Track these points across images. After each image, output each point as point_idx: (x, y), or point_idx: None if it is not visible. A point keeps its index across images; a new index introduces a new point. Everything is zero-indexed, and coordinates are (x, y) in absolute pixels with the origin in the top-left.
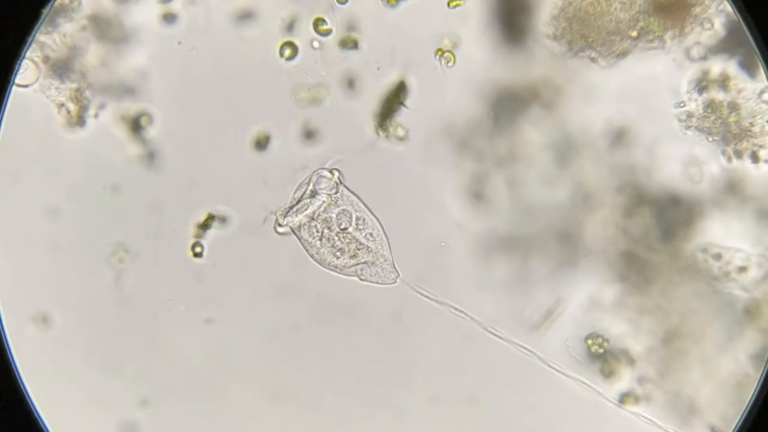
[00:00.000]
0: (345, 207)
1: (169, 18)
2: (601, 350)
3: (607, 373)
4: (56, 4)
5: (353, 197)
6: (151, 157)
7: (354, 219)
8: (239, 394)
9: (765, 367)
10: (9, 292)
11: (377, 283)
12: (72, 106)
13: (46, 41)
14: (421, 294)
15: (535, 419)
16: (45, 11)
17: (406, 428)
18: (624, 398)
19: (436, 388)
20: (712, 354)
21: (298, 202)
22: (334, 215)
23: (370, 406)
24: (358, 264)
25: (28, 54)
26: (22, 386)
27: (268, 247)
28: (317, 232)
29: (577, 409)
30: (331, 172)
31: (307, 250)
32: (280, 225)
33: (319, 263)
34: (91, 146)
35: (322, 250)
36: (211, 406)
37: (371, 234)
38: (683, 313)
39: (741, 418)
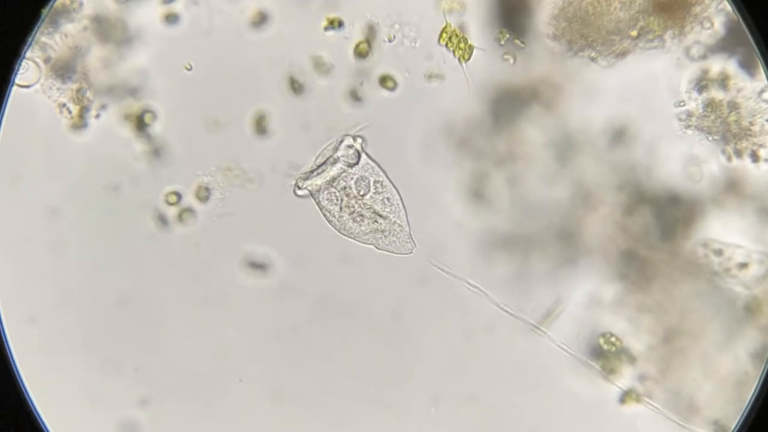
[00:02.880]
0: (363, 174)
1: (171, 18)
2: (613, 348)
3: (608, 371)
4: (57, 4)
5: (374, 165)
6: (157, 153)
7: (372, 183)
8: (239, 394)
9: (765, 365)
10: (9, 292)
11: (393, 252)
12: (73, 107)
13: (47, 42)
14: (437, 267)
15: (535, 419)
16: (45, 11)
17: (406, 428)
18: (625, 396)
19: (436, 388)
20: (712, 352)
21: (319, 167)
22: (353, 183)
23: (370, 406)
24: (376, 231)
25: (28, 54)
26: (22, 386)
27: (268, 246)
28: (336, 199)
29: (577, 409)
30: (354, 138)
31: (325, 216)
32: (299, 188)
33: (338, 229)
34: (94, 147)
35: (343, 217)
36: (211, 406)
37: (388, 199)
38: (683, 311)
39: (741, 416)
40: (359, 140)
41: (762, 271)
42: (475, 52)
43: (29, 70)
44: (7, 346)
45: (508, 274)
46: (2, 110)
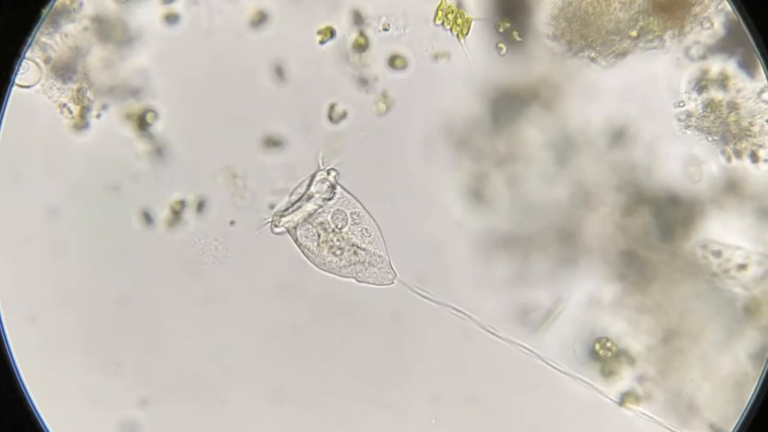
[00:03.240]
0: (339, 207)
1: (171, 19)
2: (609, 354)
3: (607, 373)
4: (57, 4)
5: (350, 197)
6: (159, 152)
7: (349, 215)
8: (239, 394)
9: (765, 366)
10: (9, 292)
11: (375, 284)
12: (74, 107)
13: (47, 42)
14: (420, 294)
15: (535, 419)
16: (45, 11)
17: (406, 428)
18: (624, 398)
19: (436, 388)
20: (711, 353)
21: (294, 204)
22: (329, 217)
23: (370, 406)
24: (356, 264)
25: (29, 54)
26: (22, 386)
27: (268, 247)
28: (314, 235)
29: (577, 409)
30: (328, 172)
31: (303, 253)
32: (276, 226)
33: (317, 265)
34: (95, 147)
35: (322, 252)
36: (211, 406)
37: (366, 230)
38: (683, 311)
39: (741, 417)
40: (333, 173)
41: (761, 272)
42: (471, 32)
43: (29, 70)
44: (7, 346)
45: (508, 274)
46: (2, 110)
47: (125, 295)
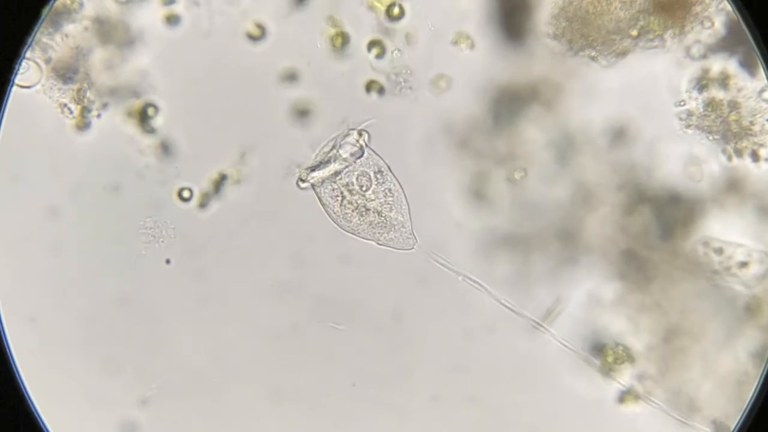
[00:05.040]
0: (364, 169)
1: (172, 20)
2: (620, 361)
3: (608, 371)
4: (57, 4)
5: (378, 159)
6: (165, 148)
7: (373, 175)
8: (239, 394)
9: (765, 365)
10: (9, 292)
11: (395, 248)
12: (74, 107)
13: (48, 42)
14: (438, 262)
15: (535, 419)
16: (45, 11)
17: (406, 428)
18: (624, 396)
19: (436, 388)
20: (712, 351)
21: (322, 161)
22: (354, 179)
23: (370, 406)
24: (378, 225)
25: (29, 55)
26: (22, 386)
27: (268, 245)
28: (339, 195)
29: (577, 409)
30: (359, 133)
31: (326, 211)
32: (302, 180)
33: (339, 225)
34: (96, 146)
35: (344, 211)
36: (211, 406)
37: (390, 190)
38: (683, 310)
39: (741, 416)
40: (364, 135)
41: (762, 271)
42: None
43: (30, 70)
44: (7, 346)
45: (508, 274)
46: (2, 110)
47: (125, 295)
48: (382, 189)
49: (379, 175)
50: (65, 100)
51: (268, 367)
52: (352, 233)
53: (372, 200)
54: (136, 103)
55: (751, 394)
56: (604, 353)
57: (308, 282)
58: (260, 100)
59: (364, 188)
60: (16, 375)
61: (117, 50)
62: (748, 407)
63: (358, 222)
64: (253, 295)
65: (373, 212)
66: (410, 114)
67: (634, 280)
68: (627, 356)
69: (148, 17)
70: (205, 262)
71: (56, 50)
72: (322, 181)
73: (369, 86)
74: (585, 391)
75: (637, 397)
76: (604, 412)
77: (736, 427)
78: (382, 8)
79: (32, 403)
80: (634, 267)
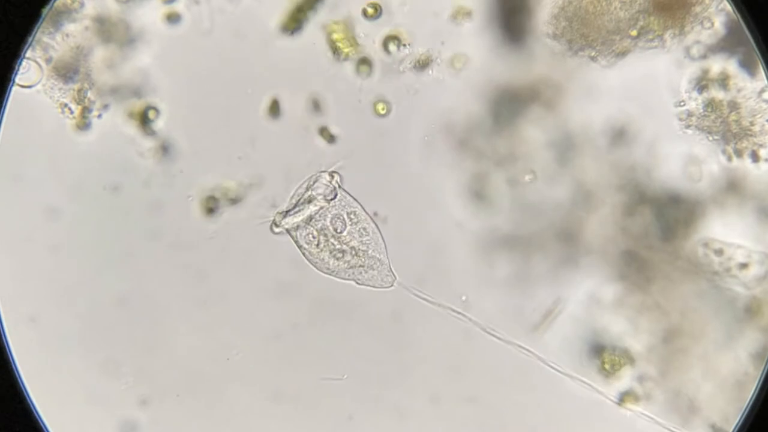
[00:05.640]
0: (337, 211)
1: (172, 18)
2: (616, 368)
3: (607, 373)
4: (57, 4)
5: (350, 200)
6: (165, 149)
7: (346, 215)
8: (239, 394)
9: (765, 365)
10: (9, 292)
11: (374, 287)
12: (75, 107)
13: (48, 42)
14: (420, 297)
15: (535, 419)
16: (45, 11)
17: (406, 428)
18: (624, 397)
19: (436, 388)
20: (712, 352)
21: (296, 205)
22: (328, 221)
23: (370, 406)
24: (356, 266)
25: (30, 54)
26: (22, 386)
27: (268, 246)
28: (313, 238)
29: (577, 409)
30: (330, 175)
31: (303, 254)
32: (276, 226)
33: (317, 268)
34: (97, 146)
35: (321, 254)
36: (211, 406)
37: (364, 229)
38: (683, 311)
39: (741, 416)
40: (336, 177)
41: (762, 272)
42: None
43: (30, 70)
44: (7, 346)
45: (508, 274)
46: (3, 110)
47: (125, 295)
48: (357, 229)
49: (353, 215)
50: (66, 100)
51: (268, 367)
52: (331, 275)
53: (348, 242)
54: (137, 104)
55: (751, 395)
56: (601, 359)
57: (308, 282)
58: (260, 100)
59: (339, 230)
60: (16, 375)
61: (118, 49)
62: (748, 408)
63: (337, 264)
64: (253, 295)
65: (350, 254)
66: (410, 114)
67: (634, 281)
68: (625, 361)
69: (149, 16)
70: (205, 262)
71: (57, 50)
72: (297, 227)
73: (362, 66)
74: (585, 391)
75: (637, 399)
76: (604, 412)
77: (735, 427)
78: (346, 50)
79: (32, 403)
80: (634, 268)
